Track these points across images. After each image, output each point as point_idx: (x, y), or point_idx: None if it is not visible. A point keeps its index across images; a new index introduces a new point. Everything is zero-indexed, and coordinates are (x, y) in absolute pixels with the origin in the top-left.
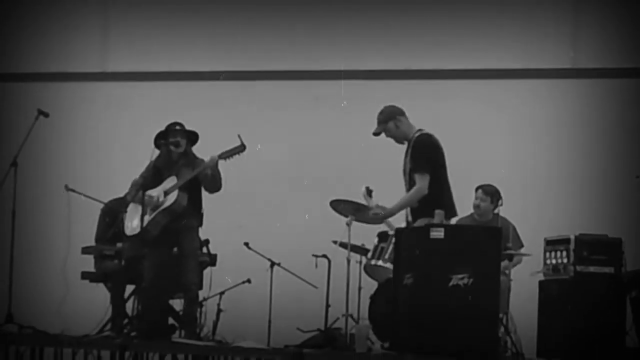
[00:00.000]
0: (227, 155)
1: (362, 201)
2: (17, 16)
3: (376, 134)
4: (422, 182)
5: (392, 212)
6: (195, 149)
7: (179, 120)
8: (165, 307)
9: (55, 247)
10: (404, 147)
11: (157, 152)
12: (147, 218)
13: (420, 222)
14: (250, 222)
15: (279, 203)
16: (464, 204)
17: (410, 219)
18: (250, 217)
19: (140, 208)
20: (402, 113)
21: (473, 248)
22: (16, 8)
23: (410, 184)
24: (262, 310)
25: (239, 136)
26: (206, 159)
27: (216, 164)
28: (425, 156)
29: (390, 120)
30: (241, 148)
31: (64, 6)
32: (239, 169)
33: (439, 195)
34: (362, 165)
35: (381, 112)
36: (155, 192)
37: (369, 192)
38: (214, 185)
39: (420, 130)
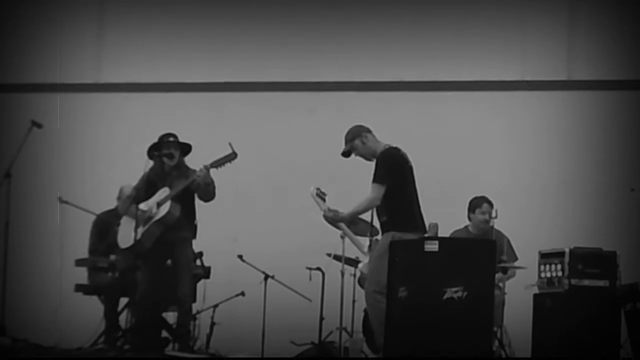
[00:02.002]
0: (219, 164)
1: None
2: (10, 27)
3: (345, 153)
4: (375, 193)
5: (342, 218)
6: (188, 160)
7: (172, 132)
8: (159, 320)
9: (49, 259)
10: None
11: (150, 163)
12: (140, 230)
13: (386, 237)
14: (244, 234)
15: (273, 215)
16: (459, 217)
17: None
18: (245, 230)
19: (133, 221)
20: (368, 130)
21: (467, 261)
22: (9, 19)
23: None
24: (255, 323)
25: (229, 144)
26: (198, 168)
27: (208, 173)
28: (386, 168)
29: (356, 138)
30: (232, 156)
31: (58, 17)
32: (233, 181)
33: (404, 209)
34: (357, 178)
35: (348, 132)
36: (147, 205)
37: (319, 194)
38: (208, 193)
39: (388, 145)
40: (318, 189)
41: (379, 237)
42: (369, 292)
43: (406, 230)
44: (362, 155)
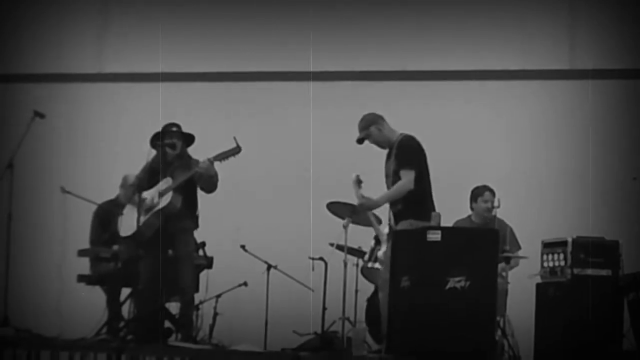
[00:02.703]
0: (222, 157)
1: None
2: (13, 17)
3: (360, 140)
4: (408, 177)
5: (377, 203)
6: (191, 150)
7: (175, 122)
8: (162, 310)
9: (52, 249)
10: None
11: (153, 153)
12: (141, 219)
13: (403, 225)
14: (246, 224)
15: (276, 205)
16: (462, 206)
17: (392, 222)
18: (247, 220)
19: (135, 209)
20: (382, 118)
21: (470, 251)
22: (12, 9)
23: (395, 184)
24: (258, 313)
25: (234, 138)
26: (201, 160)
27: (211, 166)
28: (413, 153)
29: (372, 125)
30: (236, 150)
31: (61, 7)
32: (236, 171)
33: (422, 197)
34: (359, 168)
35: (362, 120)
36: (149, 194)
37: (358, 181)
38: (210, 185)
39: (402, 133)
40: (358, 175)
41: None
42: (385, 279)
43: (423, 218)
44: (377, 143)
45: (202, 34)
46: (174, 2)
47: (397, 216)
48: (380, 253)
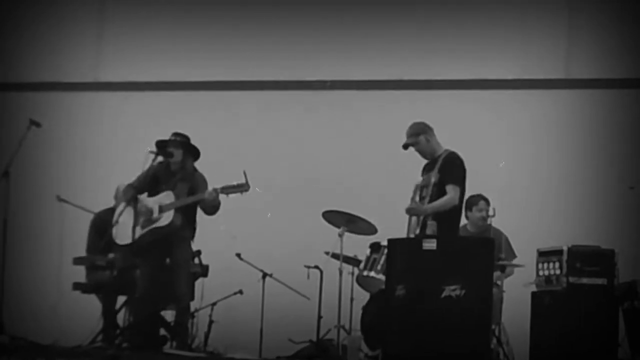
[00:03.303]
0: (230, 191)
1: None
2: (9, 26)
3: (406, 145)
4: (454, 193)
5: (425, 211)
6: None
7: (177, 130)
8: (157, 318)
9: (47, 257)
10: (394, 158)
11: (150, 160)
12: (139, 230)
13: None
14: (242, 233)
15: (272, 214)
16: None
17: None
18: (242, 228)
19: (132, 218)
20: (432, 130)
21: (465, 259)
22: (8, 17)
23: (433, 196)
24: (253, 321)
25: (244, 173)
26: (207, 190)
27: (217, 197)
28: (462, 172)
29: (422, 134)
30: (245, 187)
31: (57, 15)
32: (232, 180)
33: (457, 214)
34: (355, 177)
35: (412, 127)
36: (150, 203)
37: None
38: (211, 210)
39: (448, 149)
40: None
41: None
42: None
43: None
44: (421, 152)
45: (200, 42)
46: (171, 10)
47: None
48: None
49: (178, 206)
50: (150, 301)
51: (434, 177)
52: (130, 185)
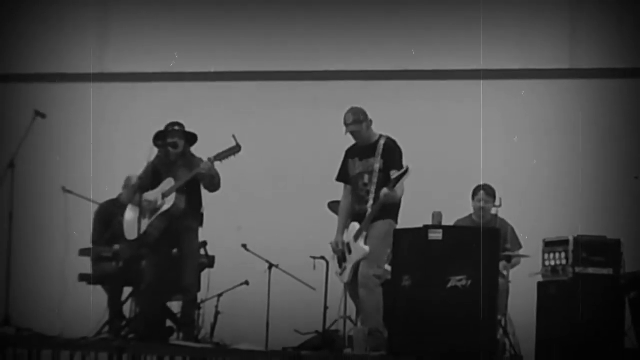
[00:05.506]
0: (222, 157)
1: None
2: (14, 17)
3: (351, 132)
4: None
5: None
6: (193, 149)
7: (178, 121)
8: (163, 309)
9: (53, 249)
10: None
11: (155, 152)
12: (145, 222)
13: (383, 225)
14: (248, 223)
15: (277, 204)
16: (462, 205)
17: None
18: (249, 219)
19: (138, 211)
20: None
21: (471, 250)
22: (13, 9)
23: (379, 182)
24: (260, 312)
25: (233, 136)
26: (203, 160)
27: (212, 166)
28: (401, 157)
29: (364, 122)
30: (236, 149)
31: (62, 7)
32: (237, 171)
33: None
34: None
35: (354, 113)
36: (153, 196)
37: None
38: (213, 185)
39: (382, 134)
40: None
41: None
42: (368, 275)
43: (396, 221)
44: (359, 138)
45: (203, 33)
46: (175, 2)
47: (376, 217)
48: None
49: (178, 187)
50: (157, 292)
51: (377, 164)
52: (132, 187)
